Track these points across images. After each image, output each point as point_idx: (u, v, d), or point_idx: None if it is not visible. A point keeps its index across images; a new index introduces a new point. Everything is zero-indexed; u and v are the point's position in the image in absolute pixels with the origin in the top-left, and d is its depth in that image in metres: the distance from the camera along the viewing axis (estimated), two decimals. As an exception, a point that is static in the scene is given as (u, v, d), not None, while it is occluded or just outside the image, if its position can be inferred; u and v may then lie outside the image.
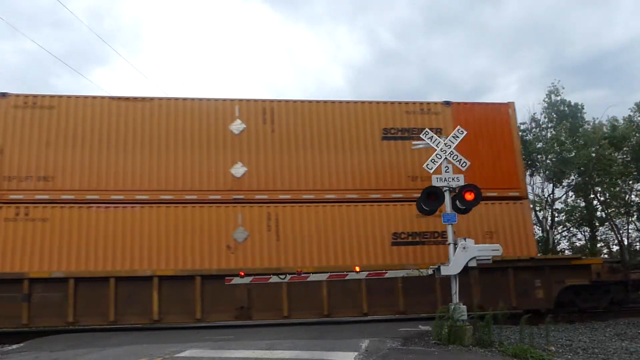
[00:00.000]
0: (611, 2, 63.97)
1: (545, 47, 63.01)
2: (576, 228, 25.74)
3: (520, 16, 65.75)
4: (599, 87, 59.39)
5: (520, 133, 19.25)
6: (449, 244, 9.00)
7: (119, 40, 69.40)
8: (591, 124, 24.06)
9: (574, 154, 21.78)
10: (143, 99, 12.14)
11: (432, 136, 9.63)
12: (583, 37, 64.93)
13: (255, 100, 12.58)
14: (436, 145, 9.46)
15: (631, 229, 25.37)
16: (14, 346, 9.32)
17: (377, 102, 13.01)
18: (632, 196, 24.21)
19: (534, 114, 24.16)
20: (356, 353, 6.93)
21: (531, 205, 20.65)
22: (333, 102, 12.86)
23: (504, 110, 13.34)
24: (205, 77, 73.84)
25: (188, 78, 70.90)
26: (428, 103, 13.12)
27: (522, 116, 29.41)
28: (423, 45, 68.97)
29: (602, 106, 56.17)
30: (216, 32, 78.09)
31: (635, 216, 24.44)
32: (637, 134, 23.04)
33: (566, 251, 25.59)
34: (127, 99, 12.08)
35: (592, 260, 12.47)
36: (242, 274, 11.34)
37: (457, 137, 9.49)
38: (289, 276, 11.32)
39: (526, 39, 66.07)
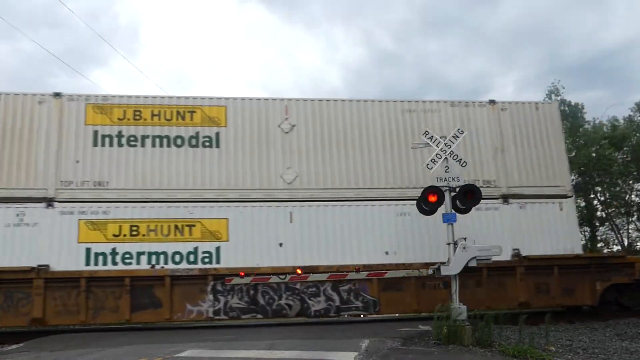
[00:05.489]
0: (607, 4, 64.05)
1: (542, 49, 63.12)
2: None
3: (517, 17, 65.85)
4: (595, 88, 59.43)
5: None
6: (449, 244, 8.97)
7: (116, 40, 69.49)
8: (591, 124, 24.07)
9: (574, 153, 21.75)
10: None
11: (432, 136, 9.61)
12: (579, 38, 64.99)
13: None
14: (436, 145, 9.45)
15: (631, 229, 25.40)
16: (14, 346, 9.30)
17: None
18: (632, 196, 24.27)
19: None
20: (356, 353, 6.93)
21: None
22: None
23: None
24: (204, 77, 73.88)
25: (186, 78, 70.92)
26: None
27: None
28: (420, 46, 69.04)
29: (599, 107, 56.34)
30: (213, 33, 78.15)
31: (635, 216, 24.43)
32: (637, 134, 23.06)
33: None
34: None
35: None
36: (242, 274, 11.35)
37: (457, 137, 9.48)
38: (288, 276, 11.33)
39: (522, 40, 66.16)
